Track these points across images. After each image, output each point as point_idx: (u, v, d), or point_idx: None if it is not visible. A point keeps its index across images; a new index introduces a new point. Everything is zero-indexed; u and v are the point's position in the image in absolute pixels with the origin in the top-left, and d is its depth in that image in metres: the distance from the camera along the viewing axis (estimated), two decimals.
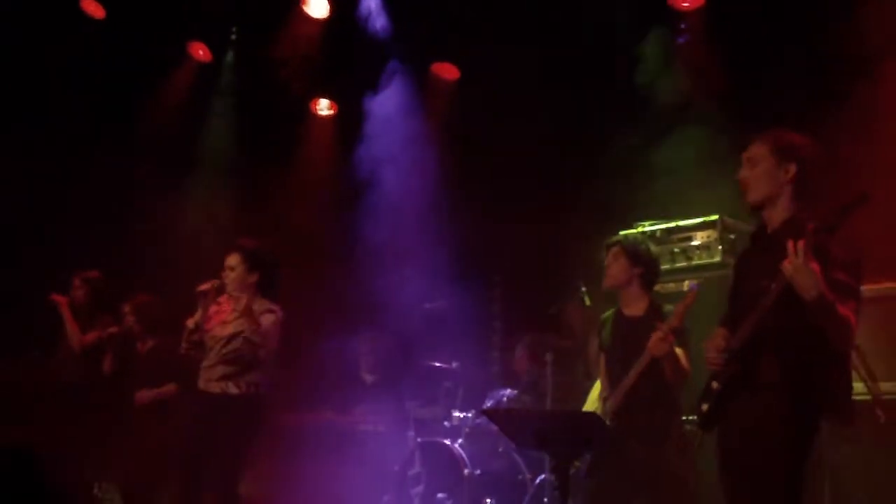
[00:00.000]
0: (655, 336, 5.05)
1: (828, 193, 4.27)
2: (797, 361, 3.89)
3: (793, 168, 4.14)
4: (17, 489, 2.47)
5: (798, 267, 3.72)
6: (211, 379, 5.97)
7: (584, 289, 7.12)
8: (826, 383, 3.92)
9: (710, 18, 7.63)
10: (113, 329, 7.32)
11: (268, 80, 8.94)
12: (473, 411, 7.59)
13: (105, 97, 8.65)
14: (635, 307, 5.48)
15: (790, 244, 3.74)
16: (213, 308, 6.14)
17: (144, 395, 7.21)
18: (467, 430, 7.48)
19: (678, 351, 5.16)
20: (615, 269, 5.50)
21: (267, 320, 5.97)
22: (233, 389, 5.92)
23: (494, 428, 7.10)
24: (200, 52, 9.19)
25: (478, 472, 7.10)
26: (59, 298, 7.43)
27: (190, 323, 6.14)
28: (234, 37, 9.11)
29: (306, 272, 8.25)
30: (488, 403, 7.50)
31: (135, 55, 8.63)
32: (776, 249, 3.88)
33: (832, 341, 3.84)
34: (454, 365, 7.75)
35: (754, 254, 4.24)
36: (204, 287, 6.08)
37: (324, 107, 9.68)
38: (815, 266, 3.71)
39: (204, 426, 5.93)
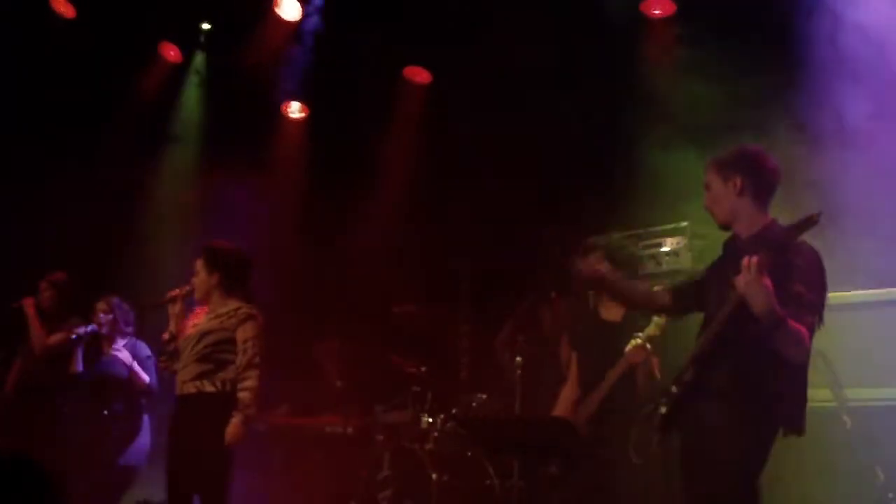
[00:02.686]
0: (635, 344, 5.07)
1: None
2: (749, 371, 3.95)
3: (738, 180, 4.22)
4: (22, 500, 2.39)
5: (749, 282, 3.77)
6: (185, 380, 5.87)
7: (553, 294, 7.15)
8: (779, 393, 3.97)
9: (681, 26, 7.67)
10: (79, 330, 7.25)
11: (239, 82, 8.91)
12: (442, 416, 7.58)
13: (75, 97, 8.57)
14: (614, 312, 5.49)
15: (745, 260, 3.79)
16: (189, 320, 6.09)
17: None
18: (435, 434, 7.46)
19: (653, 360, 5.18)
20: None
21: (247, 331, 5.89)
22: (209, 388, 5.81)
23: (463, 433, 7.12)
24: (171, 52, 9.14)
25: (445, 477, 7.09)
26: (24, 301, 7.37)
27: (165, 335, 6.07)
28: (202, 38, 9.05)
29: (276, 275, 8.23)
30: (457, 408, 7.50)
31: (105, 55, 8.56)
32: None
33: (784, 354, 3.88)
34: (423, 369, 7.74)
35: (725, 262, 4.27)
36: (171, 294, 6.06)
37: (295, 109, 9.65)
38: (766, 282, 3.76)
39: (184, 427, 5.87)
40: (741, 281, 3.80)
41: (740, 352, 3.97)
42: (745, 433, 3.96)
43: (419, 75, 9.02)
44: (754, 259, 3.77)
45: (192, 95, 9.31)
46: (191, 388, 5.85)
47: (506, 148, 8.19)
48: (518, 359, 7.06)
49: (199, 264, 6.05)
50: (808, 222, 3.79)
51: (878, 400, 5.61)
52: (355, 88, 8.84)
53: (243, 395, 5.74)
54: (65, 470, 6.75)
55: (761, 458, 4.02)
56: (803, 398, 4.09)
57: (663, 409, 4.15)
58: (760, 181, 4.23)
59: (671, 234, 6.50)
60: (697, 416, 4.05)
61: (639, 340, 5.08)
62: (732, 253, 4.21)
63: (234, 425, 5.66)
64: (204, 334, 5.90)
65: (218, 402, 5.79)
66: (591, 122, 7.89)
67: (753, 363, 3.95)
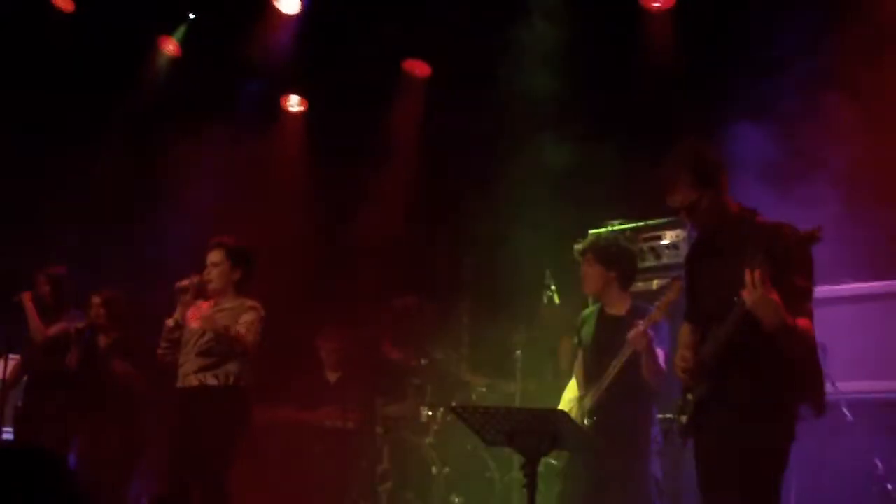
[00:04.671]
0: (636, 329, 5.06)
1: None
2: (764, 378, 3.93)
3: (723, 178, 4.15)
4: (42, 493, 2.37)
5: (757, 300, 3.76)
6: (188, 373, 5.91)
7: (552, 287, 7.14)
8: (797, 391, 3.96)
9: (680, 19, 7.67)
10: (80, 324, 7.26)
11: (238, 75, 8.90)
12: (442, 409, 7.59)
13: (74, 91, 8.56)
14: (618, 307, 5.49)
15: (747, 275, 3.76)
16: (192, 309, 6.10)
17: (119, 365, 7.15)
18: (436, 427, 7.48)
19: (658, 351, 5.17)
20: (591, 276, 5.50)
21: (248, 317, 5.96)
22: (211, 381, 5.86)
23: (463, 426, 7.11)
24: (171, 46, 9.12)
25: (446, 470, 7.10)
26: (22, 294, 7.38)
27: (170, 322, 6.07)
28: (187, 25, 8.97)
29: (273, 268, 8.23)
30: (457, 401, 7.50)
31: (105, 49, 8.55)
32: (732, 252, 3.93)
33: (795, 356, 3.88)
34: (423, 362, 7.74)
35: (709, 254, 4.26)
36: (183, 283, 6.05)
37: (294, 103, 9.63)
38: (774, 296, 3.75)
39: (186, 421, 5.87)
40: (749, 298, 3.77)
41: (751, 359, 3.94)
42: (769, 441, 3.94)
43: (419, 68, 9.01)
44: (757, 273, 3.74)
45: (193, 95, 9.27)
46: (193, 381, 5.87)
47: (506, 141, 8.19)
48: (517, 352, 7.07)
49: (220, 257, 6.07)
50: (813, 239, 3.76)
51: (878, 392, 5.62)
52: (355, 81, 8.82)
53: (230, 327, 5.88)
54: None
55: (786, 459, 4.01)
56: (821, 380, 4.08)
57: (683, 419, 4.14)
58: (720, 169, 4.18)
59: (670, 226, 6.48)
60: (718, 426, 4.02)
61: (640, 327, 5.08)
62: (718, 242, 4.19)
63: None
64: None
65: (220, 396, 5.81)
66: (591, 114, 7.88)
67: (767, 369, 3.93)
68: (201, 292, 6.12)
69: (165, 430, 6.30)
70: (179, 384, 5.97)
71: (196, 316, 6.08)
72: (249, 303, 6.06)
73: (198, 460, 5.74)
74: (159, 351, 6.16)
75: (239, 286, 6.12)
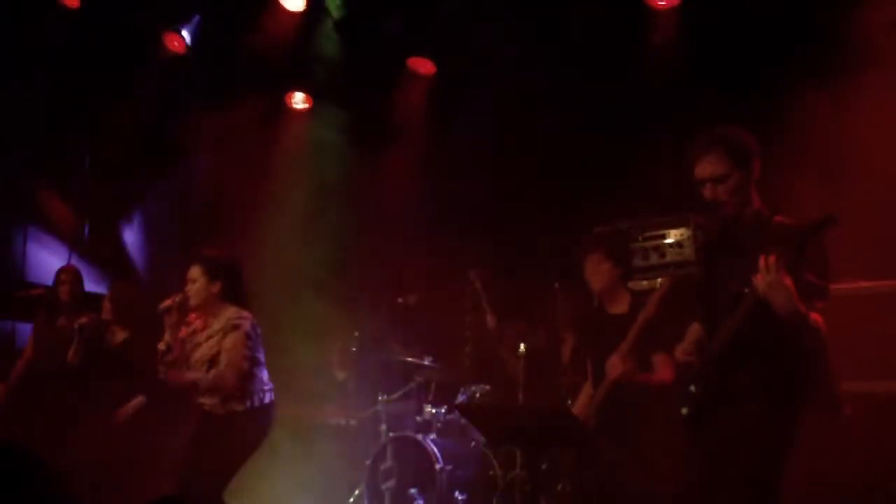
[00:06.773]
0: (614, 359, 5.10)
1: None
2: (773, 369, 3.94)
3: (755, 165, 4.16)
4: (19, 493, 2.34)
5: (771, 284, 3.74)
6: (215, 402, 5.82)
7: (556, 284, 7.15)
8: (806, 382, 3.97)
9: (685, 18, 7.65)
10: (83, 320, 7.23)
11: (242, 72, 8.89)
12: (445, 406, 7.61)
13: (78, 87, 8.57)
14: (620, 305, 5.50)
15: (762, 260, 3.75)
16: (184, 329, 5.93)
17: (121, 413, 7.09)
18: (439, 425, 7.50)
19: (659, 357, 5.16)
20: (602, 272, 5.50)
21: (230, 340, 5.78)
22: (238, 407, 5.78)
23: (466, 423, 7.14)
24: (175, 42, 9.11)
25: (449, 467, 7.12)
26: (34, 292, 7.41)
27: (161, 345, 5.89)
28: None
29: (281, 267, 8.24)
30: (461, 399, 7.52)
31: (110, 45, 8.55)
32: (747, 250, 3.92)
33: (805, 347, 3.88)
34: (426, 360, 7.75)
35: (725, 253, 4.25)
36: (166, 304, 5.87)
37: (299, 100, 9.62)
38: (788, 281, 3.74)
39: (203, 436, 5.82)
40: (762, 282, 3.76)
41: (761, 351, 3.95)
42: (776, 433, 3.96)
43: (423, 66, 8.99)
44: (772, 258, 3.73)
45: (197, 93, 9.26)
46: (220, 411, 5.80)
47: (508, 138, 8.19)
48: (521, 349, 7.08)
49: (197, 272, 5.92)
50: (829, 223, 3.75)
51: (880, 390, 5.61)
52: (360, 78, 8.82)
53: (207, 378, 5.72)
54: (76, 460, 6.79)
55: (790, 454, 4.01)
56: (831, 378, 4.08)
57: (685, 411, 4.14)
58: (754, 155, 4.18)
59: (675, 224, 6.47)
60: (725, 417, 4.03)
61: (617, 357, 5.11)
62: (733, 241, 4.18)
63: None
64: (210, 360, 5.83)
65: (244, 419, 5.75)
66: (592, 110, 7.88)
67: (777, 360, 3.94)
68: (187, 308, 5.94)
69: (169, 433, 6.28)
70: (205, 409, 5.87)
71: (192, 340, 5.93)
72: (232, 321, 5.84)
73: (205, 472, 5.68)
74: (159, 375, 5.97)
75: (223, 297, 5.92)
